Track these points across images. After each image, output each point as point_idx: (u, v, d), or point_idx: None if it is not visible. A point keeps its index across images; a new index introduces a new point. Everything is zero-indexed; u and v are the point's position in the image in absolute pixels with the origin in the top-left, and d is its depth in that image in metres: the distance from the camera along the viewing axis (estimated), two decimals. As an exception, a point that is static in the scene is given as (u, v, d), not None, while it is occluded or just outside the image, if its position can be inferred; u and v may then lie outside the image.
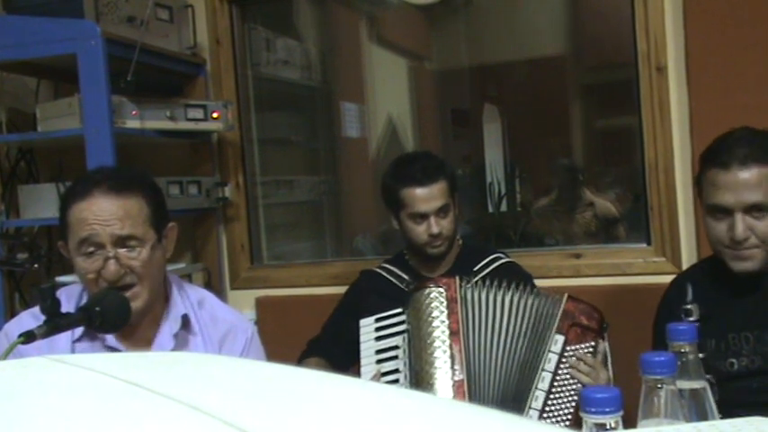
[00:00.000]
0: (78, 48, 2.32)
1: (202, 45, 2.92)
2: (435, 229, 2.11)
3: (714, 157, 1.74)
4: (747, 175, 1.68)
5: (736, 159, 1.69)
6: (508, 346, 1.86)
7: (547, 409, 1.79)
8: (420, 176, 2.12)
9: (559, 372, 1.81)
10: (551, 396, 1.79)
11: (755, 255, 1.71)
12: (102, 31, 2.32)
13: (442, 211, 2.12)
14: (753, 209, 1.69)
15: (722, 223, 1.72)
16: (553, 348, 1.82)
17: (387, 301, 2.04)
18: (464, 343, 1.84)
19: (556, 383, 1.80)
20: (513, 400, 1.81)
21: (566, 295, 1.89)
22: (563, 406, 1.80)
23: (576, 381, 1.81)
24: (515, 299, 1.89)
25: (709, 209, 1.75)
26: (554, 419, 1.79)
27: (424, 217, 2.12)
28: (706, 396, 1.12)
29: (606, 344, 1.86)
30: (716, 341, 1.76)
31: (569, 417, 1.79)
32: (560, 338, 1.83)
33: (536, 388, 1.80)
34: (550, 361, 1.81)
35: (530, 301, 1.89)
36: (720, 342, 1.76)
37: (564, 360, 1.82)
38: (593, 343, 1.84)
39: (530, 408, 1.79)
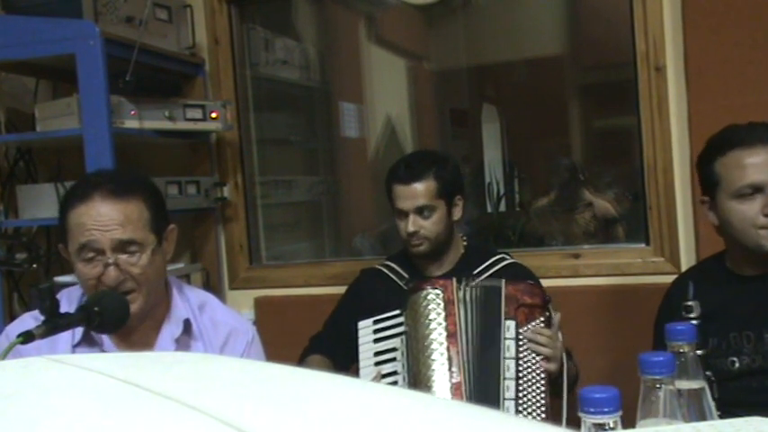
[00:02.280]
0: (77, 48, 2.32)
1: (201, 45, 2.92)
2: (411, 228, 2.12)
3: (733, 140, 1.75)
4: None
5: (759, 140, 1.72)
6: (479, 342, 1.87)
7: (520, 395, 1.80)
8: (403, 174, 2.14)
9: (520, 356, 1.83)
10: (520, 382, 1.81)
11: None
12: (100, 31, 2.32)
13: (423, 211, 2.12)
14: None
15: (754, 203, 1.72)
16: (507, 335, 1.84)
17: (386, 299, 2.04)
18: (461, 345, 1.84)
19: (521, 368, 1.82)
20: (488, 396, 1.81)
21: (503, 281, 1.91)
22: (534, 389, 1.81)
23: (537, 359, 1.83)
24: (467, 294, 1.90)
25: (736, 192, 1.73)
26: (529, 405, 1.80)
27: (405, 214, 2.13)
28: (705, 396, 1.12)
29: (555, 315, 1.89)
30: (717, 340, 1.77)
31: (543, 399, 1.80)
32: (511, 323, 1.85)
33: (504, 378, 1.80)
34: (509, 348, 1.83)
35: (479, 294, 1.91)
36: (722, 341, 1.77)
37: (521, 343, 1.84)
38: (542, 318, 1.87)
39: (504, 399, 1.79)
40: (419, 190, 2.11)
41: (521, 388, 1.81)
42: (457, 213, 2.19)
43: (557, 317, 1.88)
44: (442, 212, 2.14)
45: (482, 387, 1.82)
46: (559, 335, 1.88)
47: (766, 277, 1.78)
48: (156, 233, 1.61)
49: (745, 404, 1.61)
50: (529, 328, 1.85)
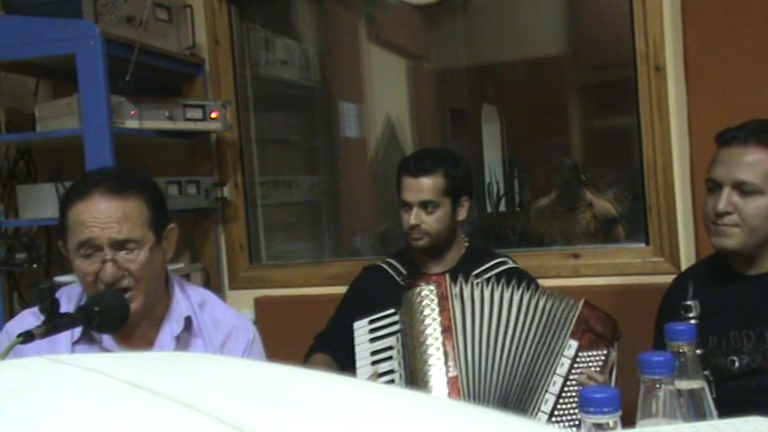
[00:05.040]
0: (77, 48, 2.32)
1: (201, 45, 2.92)
2: (412, 220, 2.15)
3: (721, 137, 1.80)
4: (745, 153, 1.73)
5: (738, 138, 1.75)
6: (511, 344, 1.85)
7: (556, 412, 1.78)
8: (412, 167, 2.17)
9: (570, 377, 1.80)
10: (561, 400, 1.79)
11: (734, 233, 1.74)
12: (100, 31, 2.32)
13: (427, 206, 2.15)
14: (741, 187, 1.73)
15: (712, 198, 1.77)
16: (566, 353, 1.81)
17: (386, 296, 2.04)
18: (457, 339, 1.84)
19: (566, 388, 1.80)
20: (519, 399, 1.81)
21: (582, 300, 1.89)
22: (572, 411, 1.80)
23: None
24: (525, 298, 1.89)
25: (706, 184, 1.80)
26: (562, 423, 1.78)
27: (409, 206, 2.17)
28: (704, 396, 1.12)
29: (615, 354, 1.85)
30: (717, 338, 1.77)
31: (578, 422, 1.79)
32: (574, 344, 1.82)
33: (546, 391, 1.79)
34: (563, 365, 1.81)
35: (541, 303, 1.88)
36: (722, 340, 1.77)
37: (576, 366, 1.81)
38: (605, 351, 1.83)
39: (538, 410, 1.78)
40: (426, 184, 2.15)
41: (559, 406, 1.79)
42: (462, 214, 2.21)
43: (612, 356, 1.84)
44: (446, 210, 2.17)
45: (520, 390, 1.82)
46: (614, 377, 1.84)
47: (766, 276, 1.78)
48: (156, 231, 1.61)
49: (744, 404, 1.61)
50: (589, 356, 1.82)
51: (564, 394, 1.79)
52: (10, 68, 2.70)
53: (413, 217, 2.15)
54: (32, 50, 2.40)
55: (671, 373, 1.01)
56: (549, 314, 1.87)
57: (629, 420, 0.95)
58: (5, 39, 2.39)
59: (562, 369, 1.80)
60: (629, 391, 1.00)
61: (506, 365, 1.84)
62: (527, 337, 1.85)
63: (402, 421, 0.39)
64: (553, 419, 1.78)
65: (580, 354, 1.82)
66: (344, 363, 2.14)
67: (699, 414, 1.11)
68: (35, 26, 2.37)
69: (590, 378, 1.80)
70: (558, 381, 1.79)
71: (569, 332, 1.83)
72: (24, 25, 2.38)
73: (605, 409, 0.85)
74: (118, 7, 2.47)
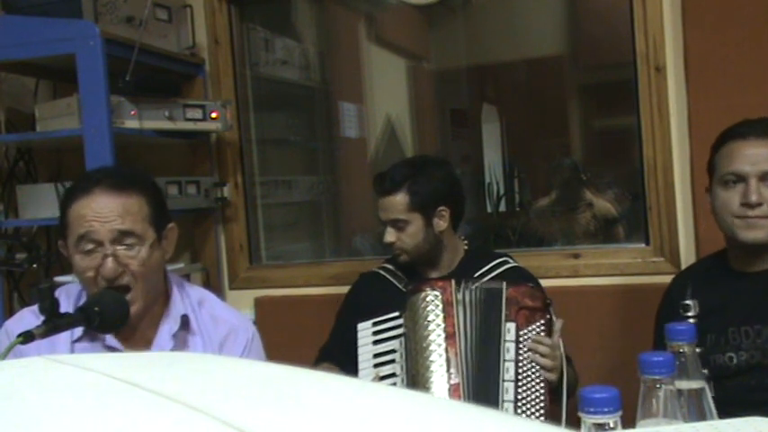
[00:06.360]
0: (77, 48, 2.32)
1: (201, 45, 2.92)
2: (386, 238, 2.15)
3: (733, 132, 1.81)
4: (765, 146, 1.75)
5: (755, 132, 1.77)
6: (488, 344, 1.87)
7: (519, 398, 1.80)
8: (379, 187, 2.16)
9: (520, 359, 1.83)
10: (519, 384, 1.81)
11: (765, 224, 1.75)
12: (100, 31, 2.32)
13: (396, 224, 2.13)
14: (766, 178, 1.74)
15: (734, 192, 1.77)
16: (508, 337, 1.85)
17: (386, 302, 2.04)
18: (460, 346, 1.84)
19: (520, 371, 1.82)
20: (487, 398, 1.81)
21: (504, 283, 1.92)
22: (533, 392, 1.82)
23: (537, 364, 1.83)
24: (468, 296, 1.90)
25: (721, 179, 1.79)
26: (529, 407, 1.80)
27: (384, 224, 2.16)
28: (704, 396, 1.12)
29: (556, 318, 1.89)
30: (716, 335, 1.77)
31: (542, 402, 1.81)
32: (512, 326, 1.85)
33: (503, 380, 1.81)
34: (509, 350, 1.83)
35: (481, 296, 1.91)
36: (720, 337, 1.77)
37: (521, 346, 1.84)
38: (542, 321, 1.87)
39: (504, 401, 1.80)
40: (392, 203, 2.12)
41: (520, 390, 1.81)
42: (441, 224, 2.15)
43: (558, 324, 1.87)
44: (418, 225, 2.12)
45: (481, 388, 1.82)
46: (560, 342, 1.88)
47: (766, 274, 1.79)
48: (156, 229, 1.61)
49: (743, 402, 1.61)
50: (529, 331, 1.85)
51: (520, 378, 1.81)
52: (10, 68, 2.70)
53: (387, 235, 2.14)
54: (32, 50, 2.40)
55: (671, 373, 1.01)
56: (483, 305, 1.89)
57: (629, 420, 0.95)
58: (5, 39, 2.39)
59: (510, 354, 1.83)
60: (629, 391, 1.00)
61: (487, 366, 1.85)
62: (479, 333, 1.87)
63: (402, 421, 0.39)
64: (519, 404, 1.80)
65: (520, 333, 1.85)
66: (350, 371, 2.13)
67: (699, 414, 1.11)
68: (35, 26, 2.37)
69: (539, 342, 1.83)
70: (511, 367, 1.82)
71: (503, 316, 1.85)
72: (24, 25, 2.38)
73: (605, 409, 0.85)
74: (118, 7, 2.47)
